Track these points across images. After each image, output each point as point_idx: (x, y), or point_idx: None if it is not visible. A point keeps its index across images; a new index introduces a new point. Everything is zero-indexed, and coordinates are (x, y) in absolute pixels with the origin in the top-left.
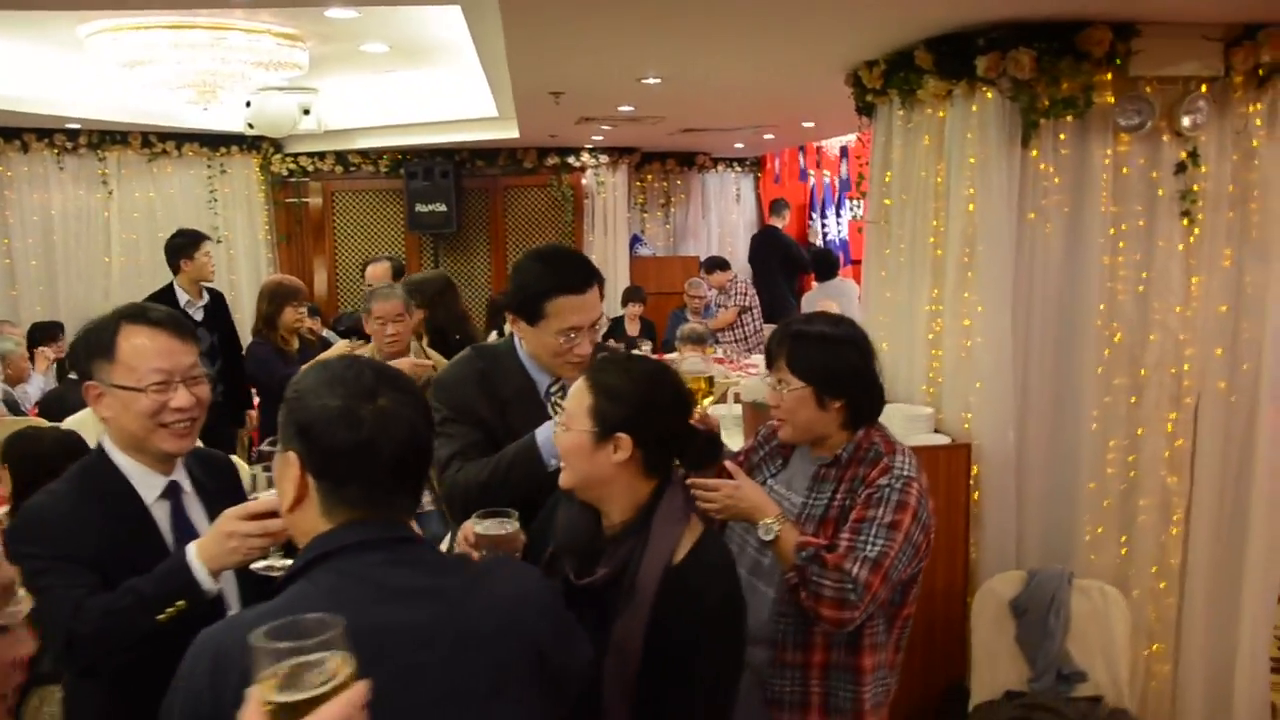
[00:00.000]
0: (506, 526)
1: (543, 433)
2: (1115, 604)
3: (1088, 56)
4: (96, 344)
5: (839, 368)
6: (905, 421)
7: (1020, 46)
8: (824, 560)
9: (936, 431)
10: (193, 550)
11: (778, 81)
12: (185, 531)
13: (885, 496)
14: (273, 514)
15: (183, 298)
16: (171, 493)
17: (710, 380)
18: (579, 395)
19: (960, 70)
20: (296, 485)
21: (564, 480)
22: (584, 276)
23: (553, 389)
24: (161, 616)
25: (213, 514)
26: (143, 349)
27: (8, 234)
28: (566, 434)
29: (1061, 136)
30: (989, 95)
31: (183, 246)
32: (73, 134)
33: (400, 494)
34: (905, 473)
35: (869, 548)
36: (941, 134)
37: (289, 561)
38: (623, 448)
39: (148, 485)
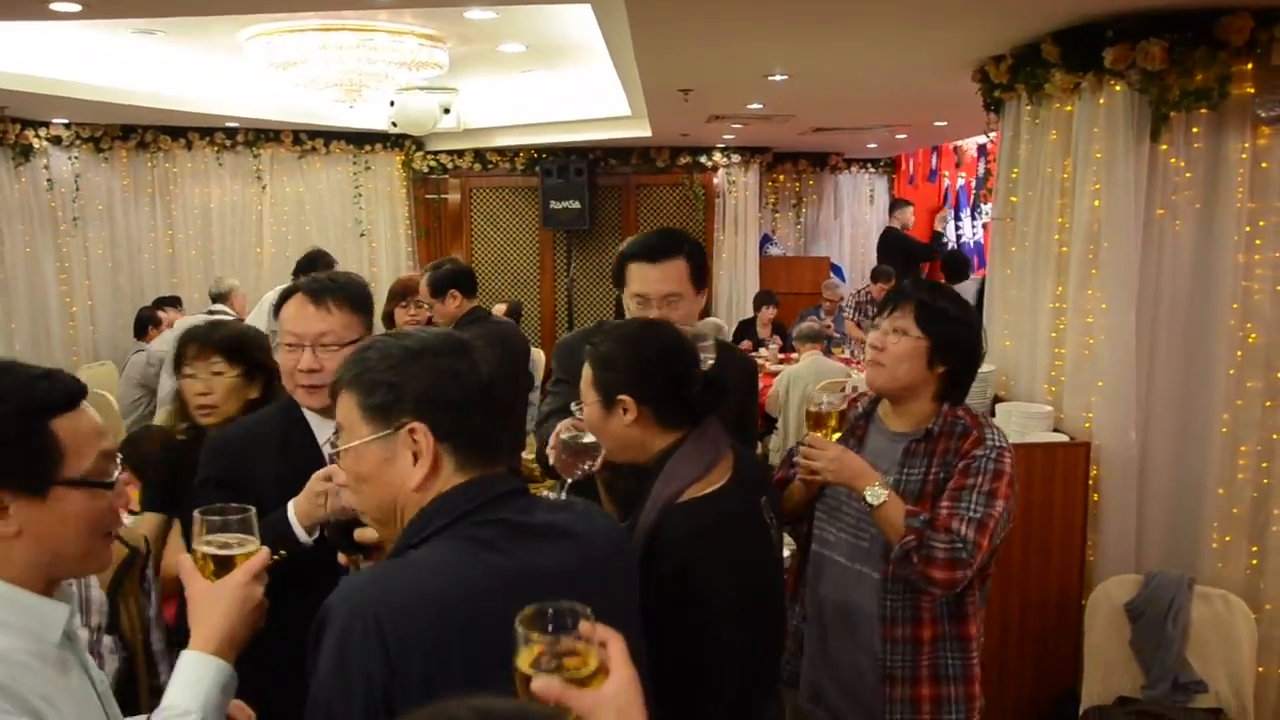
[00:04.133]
0: (589, 438)
1: None
2: (1240, 614)
3: (1225, 45)
4: (276, 308)
5: (960, 337)
6: (1023, 419)
7: (1150, 37)
8: (934, 523)
9: (1055, 430)
10: (291, 506)
11: (904, 78)
12: None
13: (982, 466)
14: None
15: None
16: None
17: (841, 416)
18: (585, 371)
19: (1088, 63)
20: (430, 455)
21: (607, 452)
22: (659, 249)
23: None
24: (272, 559)
25: None
26: (288, 314)
27: (172, 225)
28: (586, 409)
29: (1194, 130)
30: (1117, 88)
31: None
32: (231, 132)
33: (506, 435)
34: (998, 443)
35: (972, 510)
36: (1068, 129)
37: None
38: (629, 409)
39: (323, 428)
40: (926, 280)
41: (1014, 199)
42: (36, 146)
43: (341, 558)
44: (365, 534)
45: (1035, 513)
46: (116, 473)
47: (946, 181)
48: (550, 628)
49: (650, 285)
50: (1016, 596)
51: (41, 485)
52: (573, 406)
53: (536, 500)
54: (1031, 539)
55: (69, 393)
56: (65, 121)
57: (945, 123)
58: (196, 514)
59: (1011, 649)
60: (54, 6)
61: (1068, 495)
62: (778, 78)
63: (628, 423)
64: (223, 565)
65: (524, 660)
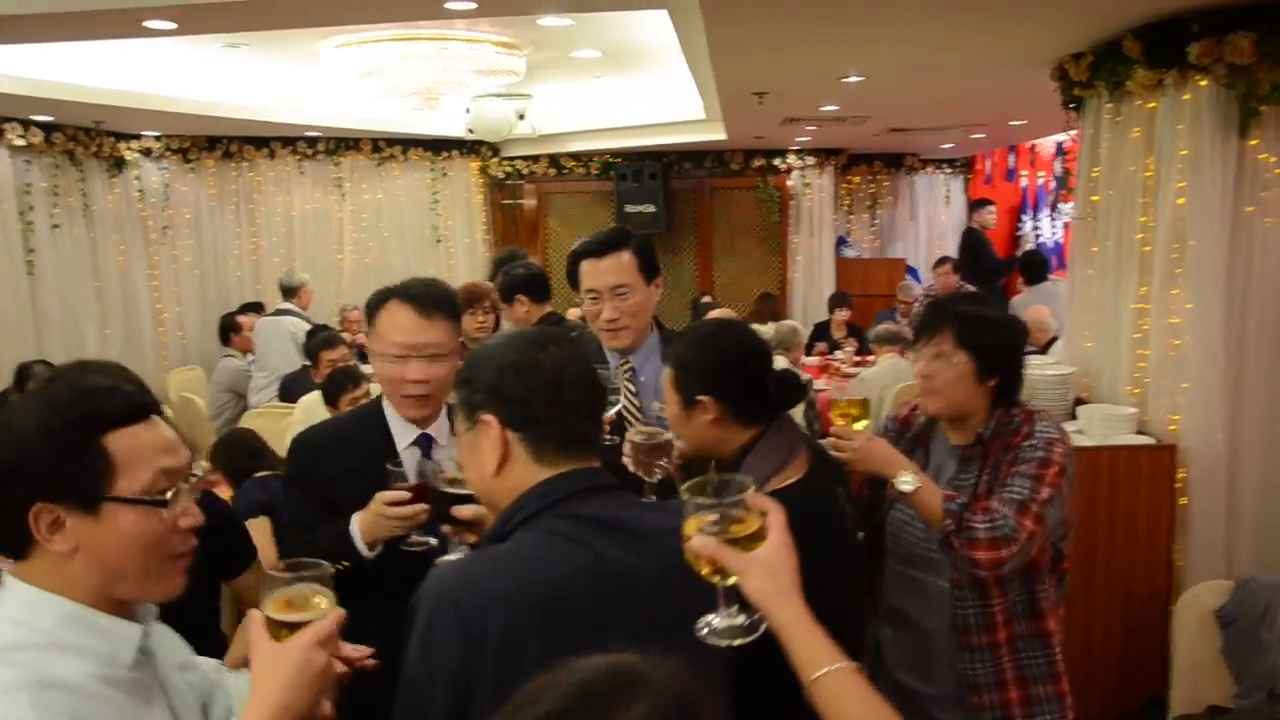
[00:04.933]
0: (660, 437)
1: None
2: None
3: None
4: (369, 311)
5: (1003, 345)
6: (1106, 421)
7: (1238, 30)
8: (972, 505)
9: (1139, 432)
10: (355, 522)
11: (981, 78)
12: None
13: (1028, 456)
14: (410, 501)
15: None
16: (421, 443)
17: (865, 403)
18: (665, 372)
19: (1171, 58)
20: (499, 446)
21: (685, 449)
22: (605, 244)
23: (621, 367)
24: (336, 569)
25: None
26: (391, 322)
27: (256, 233)
28: (668, 408)
29: None
30: (1202, 83)
31: None
32: (312, 141)
33: (593, 428)
34: (1047, 434)
35: (1014, 492)
36: (1151, 126)
37: (429, 540)
38: (709, 409)
39: (403, 433)
40: (941, 298)
41: (1095, 198)
42: (129, 159)
43: (445, 528)
44: (461, 510)
45: (1119, 516)
46: (182, 492)
47: (1024, 181)
48: (713, 494)
49: (599, 279)
50: (1101, 602)
51: (92, 501)
52: (654, 405)
53: (624, 498)
54: (1116, 543)
55: (128, 406)
56: (156, 134)
57: (1023, 121)
58: (267, 569)
59: (1096, 656)
60: (148, 24)
61: (1153, 499)
62: (853, 79)
63: (708, 421)
64: (290, 627)
65: (690, 526)
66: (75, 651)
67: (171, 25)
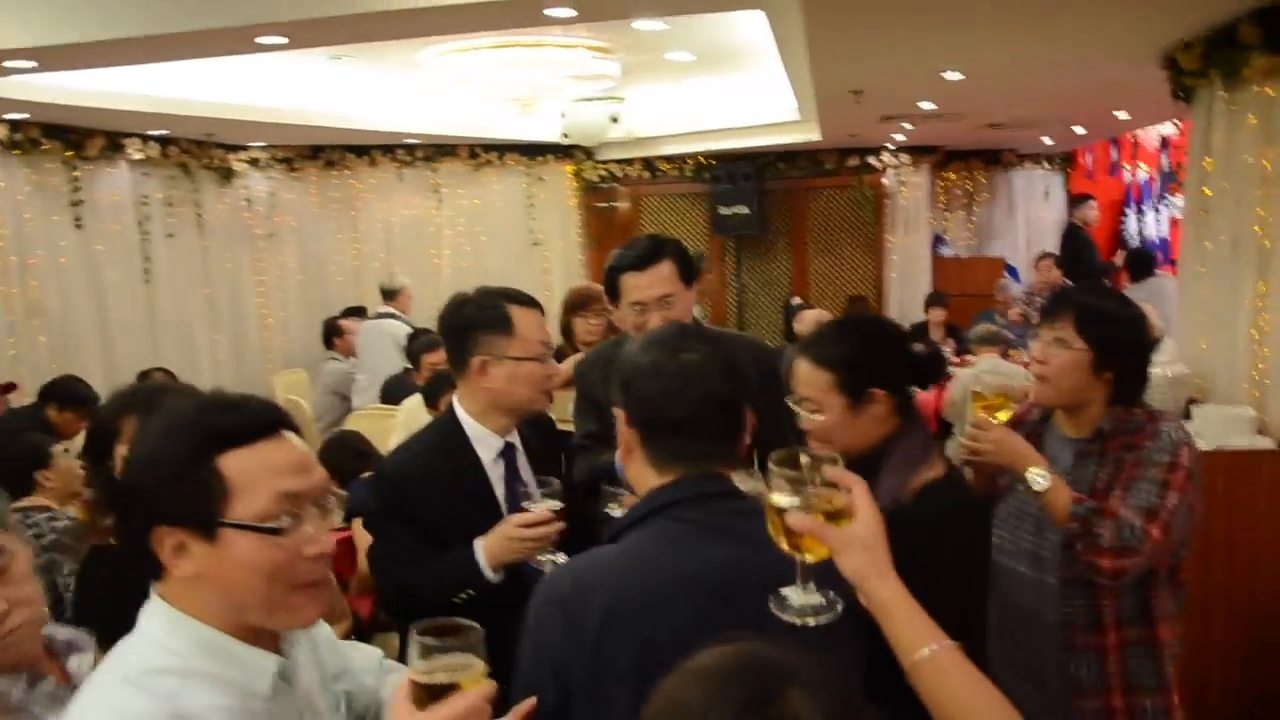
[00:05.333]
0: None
1: None
2: None
3: None
4: (491, 320)
5: (1124, 339)
6: (1223, 423)
7: None
8: (1100, 510)
9: (1260, 434)
10: (479, 547)
11: (1085, 71)
12: (515, 487)
13: (1154, 459)
14: (544, 522)
15: None
16: (506, 453)
17: (1009, 395)
18: (810, 377)
19: None
20: (625, 436)
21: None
22: (645, 255)
23: None
24: (456, 600)
25: (537, 469)
26: (532, 324)
27: (357, 239)
28: (825, 414)
29: None
30: None
31: None
32: (410, 148)
33: (710, 442)
34: (1175, 437)
35: (1142, 499)
36: (1269, 114)
37: (559, 556)
38: (880, 401)
39: (487, 447)
40: (1075, 286)
41: (1207, 191)
42: (237, 169)
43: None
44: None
45: (1239, 522)
46: (309, 516)
47: (1127, 175)
48: (799, 469)
49: (644, 291)
50: (1220, 611)
51: (209, 526)
52: (800, 409)
53: (742, 505)
54: (1236, 550)
55: (249, 423)
56: (262, 145)
57: (1126, 114)
58: (413, 633)
59: (1215, 665)
60: (261, 40)
61: (1274, 504)
62: (951, 75)
63: (879, 415)
64: (437, 695)
65: (777, 499)
66: (211, 681)
67: (283, 40)
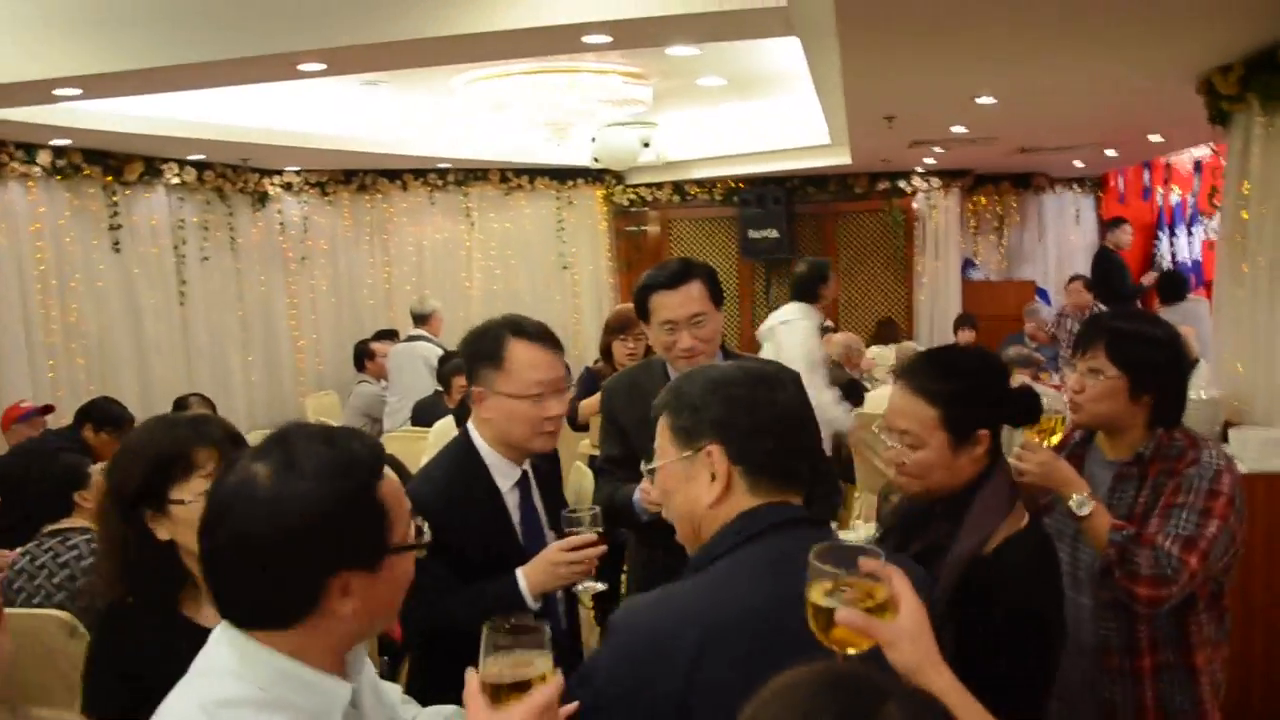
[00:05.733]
0: None
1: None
2: None
3: None
4: (485, 352)
5: (1158, 363)
6: (1261, 446)
7: None
8: (1138, 538)
9: None
10: (521, 576)
11: (1120, 94)
12: (530, 515)
13: (1195, 485)
14: (587, 546)
15: None
16: (522, 482)
17: (1060, 420)
18: (911, 409)
19: None
20: (724, 477)
21: (912, 490)
22: (677, 275)
23: None
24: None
25: (544, 496)
26: (527, 361)
27: (389, 262)
28: (929, 451)
29: None
30: None
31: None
32: (442, 172)
33: (805, 464)
34: (1215, 464)
35: (1181, 527)
36: None
37: (599, 585)
38: (982, 442)
39: (504, 475)
40: (1105, 312)
41: (1244, 214)
42: (271, 193)
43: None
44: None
45: (1278, 546)
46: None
47: (1159, 199)
48: (843, 563)
49: (675, 310)
50: (1260, 638)
51: (378, 557)
52: (895, 442)
53: (827, 533)
54: (1275, 572)
55: (379, 453)
56: (296, 169)
57: (1160, 137)
58: (485, 629)
59: (1256, 687)
60: (301, 67)
61: None
62: (985, 100)
63: (978, 455)
64: (509, 689)
65: (816, 593)
66: (286, 709)
67: (322, 66)
